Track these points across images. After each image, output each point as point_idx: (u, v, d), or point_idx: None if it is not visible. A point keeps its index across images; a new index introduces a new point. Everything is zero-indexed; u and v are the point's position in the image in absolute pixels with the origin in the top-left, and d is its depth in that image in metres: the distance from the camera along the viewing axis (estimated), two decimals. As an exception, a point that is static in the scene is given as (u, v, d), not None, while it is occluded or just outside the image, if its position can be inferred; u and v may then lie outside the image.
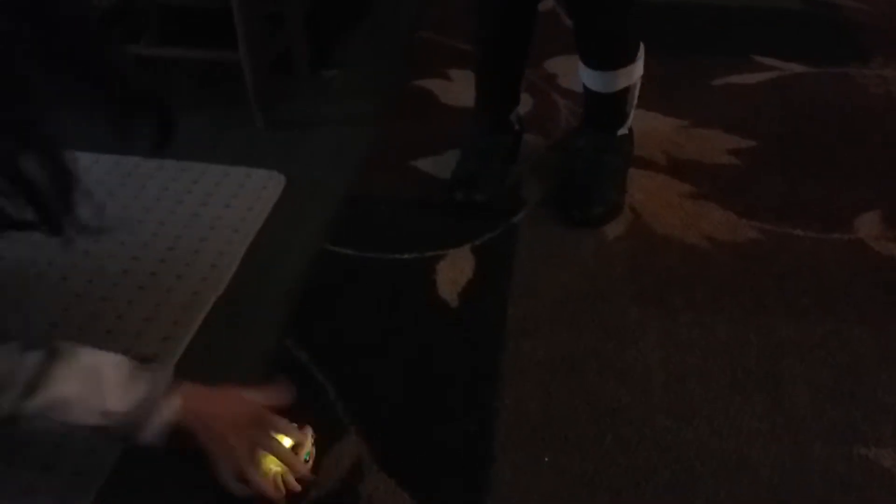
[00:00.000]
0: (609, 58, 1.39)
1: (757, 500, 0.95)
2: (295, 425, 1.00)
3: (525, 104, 1.62)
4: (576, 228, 1.41)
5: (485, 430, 1.05)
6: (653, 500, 0.96)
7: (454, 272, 1.32)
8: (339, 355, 1.16)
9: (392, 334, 1.21)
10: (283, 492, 0.96)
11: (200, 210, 1.46)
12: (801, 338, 1.17)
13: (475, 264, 1.34)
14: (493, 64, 1.49)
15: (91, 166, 1.58)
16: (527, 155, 1.57)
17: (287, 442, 0.97)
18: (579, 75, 1.45)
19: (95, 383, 0.87)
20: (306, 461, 0.98)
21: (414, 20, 2.17)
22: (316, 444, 1.00)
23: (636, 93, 1.45)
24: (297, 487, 0.97)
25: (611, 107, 1.45)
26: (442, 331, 1.21)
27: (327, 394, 1.10)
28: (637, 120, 1.51)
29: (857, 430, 1.02)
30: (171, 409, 0.90)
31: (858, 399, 1.07)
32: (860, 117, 1.71)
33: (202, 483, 0.95)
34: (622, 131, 1.49)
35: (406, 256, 1.35)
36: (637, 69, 1.41)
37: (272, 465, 0.96)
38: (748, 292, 1.27)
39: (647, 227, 1.41)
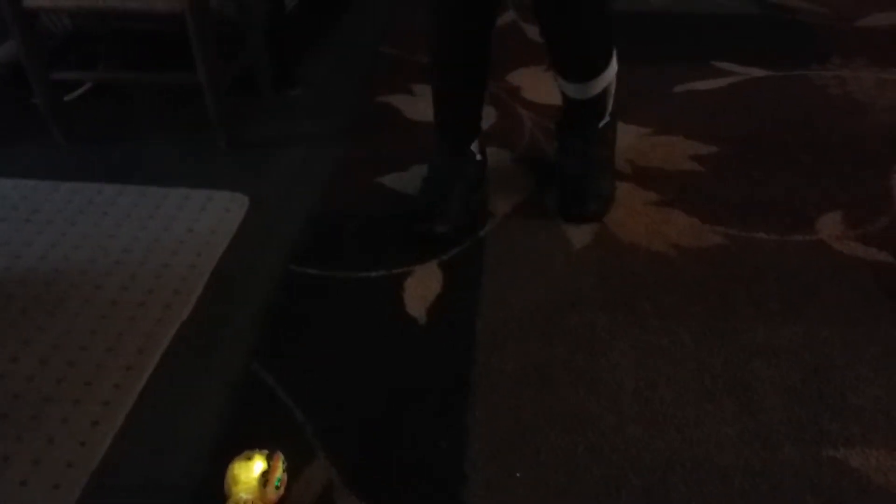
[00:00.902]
0: (585, 71, 1.40)
1: (729, 506, 0.95)
2: (266, 451, 0.98)
3: (489, 117, 1.63)
4: (542, 240, 1.41)
5: (456, 447, 1.04)
6: (626, 510, 0.96)
7: (422, 288, 1.31)
8: (307, 377, 1.15)
9: (360, 353, 1.20)
10: None
11: (163, 235, 1.44)
12: (768, 341, 1.18)
13: (443, 279, 1.33)
14: (451, 94, 1.46)
15: (51, 194, 1.56)
16: (492, 167, 1.57)
17: (258, 468, 0.96)
18: (556, 83, 1.46)
19: None
20: (277, 487, 0.97)
21: (377, 36, 2.18)
22: (286, 469, 0.99)
23: (614, 86, 1.46)
24: None
25: (591, 109, 1.47)
26: (411, 348, 1.20)
27: (295, 417, 1.09)
28: (601, 128, 1.52)
29: (825, 432, 1.03)
30: None
31: (827, 400, 1.08)
32: (820, 118, 1.73)
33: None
34: (603, 122, 1.51)
35: (373, 274, 1.34)
36: (612, 69, 1.43)
37: (243, 492, 0.94)
38: (715, 297, 1.27)
39: (614, 235, 1.42)
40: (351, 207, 1.51)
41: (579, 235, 1.42)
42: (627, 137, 1.66)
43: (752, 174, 1.56)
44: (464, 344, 1.20)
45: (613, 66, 1.43)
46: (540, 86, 1.88)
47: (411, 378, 1.15)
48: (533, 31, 2.15)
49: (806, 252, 1.36)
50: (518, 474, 1.01)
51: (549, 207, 1.49)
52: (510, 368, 1.16)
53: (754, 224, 1.42)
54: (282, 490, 0.97)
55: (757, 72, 1.93)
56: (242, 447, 0.99)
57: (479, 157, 1.52)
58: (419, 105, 1.82)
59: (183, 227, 1.45)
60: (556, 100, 1.54)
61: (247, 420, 1.09)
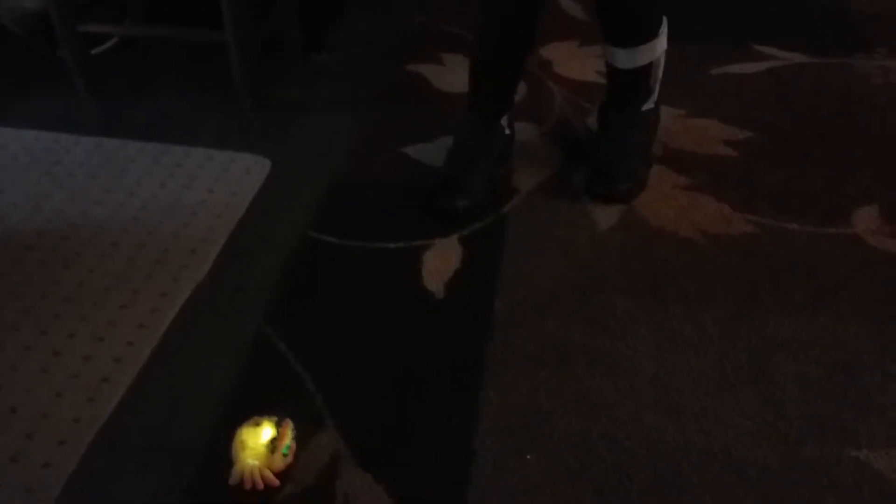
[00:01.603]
0: (633, 34, 1.36)
1: (744, 501, 0.93)
2: (275, 418, 0.97)
3: (519, 91, 1.58)
4: (566, 219, 1.37)
5: (467, 424, 1.03)
6: (637, 498, 0.94)
7: (441, 262, 1.28)
8: (320, 345, 1.14)
9: (375, 324, 1.18)
10: (261, 486, 0.93)
11: (183, 194, 1.42)
12: (794, 335, 1.14)
13: (463, 254, 1.30)
14: (491, 66, 1.43)
15: (72, 147, 1.55)
16: (519, 142, 1.54)
17: (266, 435, 0.95)
18: (603, 53, 1.42)
19: None
20: (284, 455, 0.96)
21: (409, 4, 2.13)
22: (295, 438, 0.98)
23: (661, 67, 1.42)
24: (275, 482, 0.94)
25: (635, 82, 1.43)
26: (426, 322, 1.18)
27: (306, 385, 1.07)
28: (633, 109, 1.47)
29: (848, 431, 1.00)
30: None
31: (852, 399, 1.04)
32: (860, 109, 1.67)
33: (172, 476, 0.92)
34: (647, 106, 1.47)
35: (392, 245, 1.32)
36: (661, 43, 1.39)
37: (250, 458, 0.94)
38: (741, 287, 1.24)
39: (641, 218, 1.38)
40: (373, 176, 1.49)
41: (605, 217, 1.38)
42: (661, 118, 1.61)
43: (787, 163, 1.51)
44: (481, 321, 1.18)
45: (663, 39, 1.39)
46: (573, 61, 1.83)
47: (425, 352, 1.13)
48: (568, 5, 2.09)
49: (839, 246, 1.31)
50: (528, 456, 0.99)
51: (575, 186, 1.45)
52: (527, 348, 1.14)
53: (787, 214, 1.38)
54: (290, 458, 0.96)
55: (798, 57, 1.86)
56: (252, 413, 0.99)
57: (507, 131, 1.48)
58: (448, 75, 1.78)
59: (203, 188, 1.44)
60: (588, 76, 1.50)
61: (257, 386, 1.08)
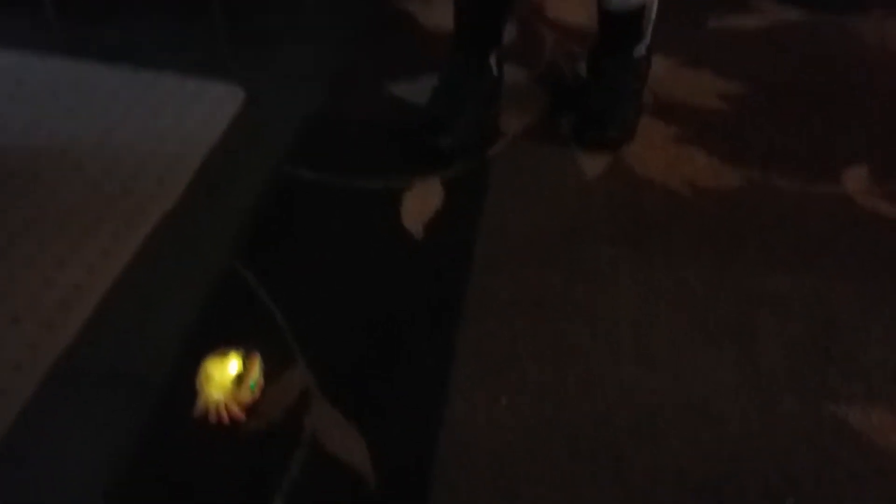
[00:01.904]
0: None
1: (719, 452, 0.92)
2: (242, 351, 0.93)
3: (509, 32, 1.52)
4: (553, 165, 1.33)
5: (442, 366, 1.00)
6: (610, 446, 0.92)
7: (422, 203, 1.24)
8: (291, 281, 1.10)
9: (350, 263, 1.14)
10: (226, 419, 0.90)
11: (151, 121, 1.36)
12: (778, 291, 1.12)
13: (444, 196, 1.26)
14: (475, 1, 1.36)
15: (37, 68, 1.47)
16: (507, 85, 1.48)
17: (233, 368, 0.91)
18: None
19: None
20: (252, 390, 0.92)
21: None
22: (264, 373, 0.94)
23: (654, 10, 1.37)
24: (240, 416, 0.91)
25: (627, 26, 1.38)
26: (404, 263, 1.15)
27: (275, 319, 1.04)
28: (626, 55, 1.42)
29: (828, 388, 0.98)
30: None
31: (833, 356, 1.03)
32: (855, 68, 1.64)
33: (130, 407, 0.88)
34: (639, 52, 1.42)
35: (371, 184, 1.27)
36: None
37: (215, 391, 0.90)
38: (727, 241, 1.21)
39: (629, 168, 1.34)
40: (354, 112, 1.43)
41: (592, 165, 1.35)
42: (653, 67, 1.57)
43: (778, 119, 1.48)
44: (460, 264, 1.15)
45: None
46: (565, 4, 1.77)
47: (402, 294, 1.10)
48: (563, -51, 2.01)
49: (827, 204, 1.29)
50: (503, 400, 0.97)
51: (563, 132, 1.41)
52: (506, 294, 1.11)
53: (776, 170, 1.35)
54: (256, 393, 0.93)
55: (795, 14, 1.81)
56: (217, 346, 0.95)
57: (495, 71, 1.42)
58: (436, 12, 1.71)
59: (173, 116, 1.37)
60: (582, 20, 1.45)
61: (224, 318, 1.05)
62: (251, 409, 0.92)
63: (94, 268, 1.08)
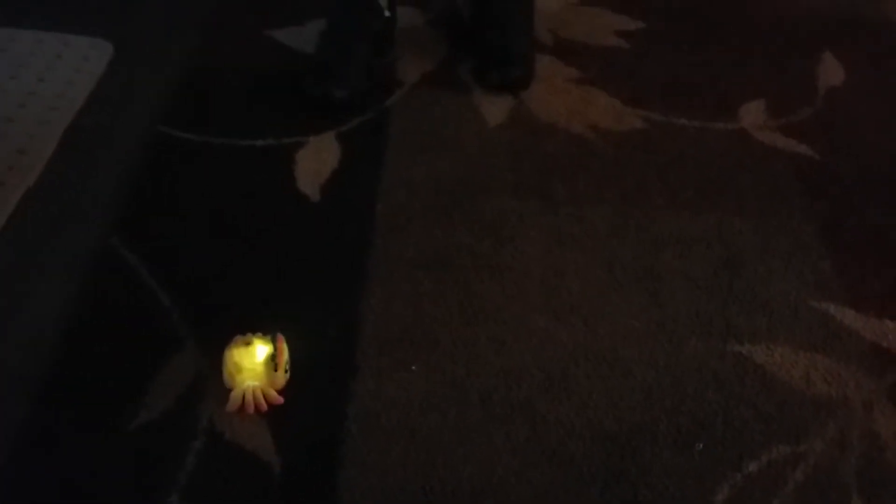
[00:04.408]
0: None
1: (630, 400, 0.92)
2: (261, 335, 0.88)
3: (400, -28, 1.44)
4: (454, 114, 1.29)
5: (347, 337, 0.95)
6: (524, 402, 0.91)
7: (316, 162, 1.18)
8: (177, 256, 1.02)
9: (241, 231, 1.07)
10: (265, 407, 0.86)
11: (8, 84, 1.23)
12: (681, 231, 1.13)
13: (341, 153, 1.20)
14: None
15: None
16: (401, 29, 1.41)
17: (262, 353, 0.86)
18: None
19: None
20: (287, 372, 0.87)
21: None
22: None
23: None
24: (279, 400, 0.87)
25: None
26: (301, 227, 1.08)
27: (160, 301, 0.96)
28: (523, -6, 1.38)
29: (732, 326, 1.00)
30: None
31: (735, 294, 1.04)
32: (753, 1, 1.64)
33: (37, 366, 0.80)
34: None
35: (259, 142, 1.19)
36: None
37: (248, 379, 0.85)
38: (631, 184, 1.21)
39: (531, 114, 1.31)
40: (235, 63, 1.33)
41: (494, 112, 1.31)
42: (551, 5, 1.53)
43: (677, 54, 1.47)
44: (361, 226, 1.10)
45: None
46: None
47: (300, 261, 1.04)
48: None
49: (726, 140, 1.30)
50: (413, 367, 0.93)
51: (463, 78, 1.36)
52: (410, 254, 1.07)
53: (676, 109, 1.34)
54: (289, 374, 0.88)
55: (692, -54, 1.80)
56: (97, 334, 0.88)
57: (387, 13, 1.35)
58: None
59: (33, 77, 1.24)
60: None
61: (102, 304, 0.96)
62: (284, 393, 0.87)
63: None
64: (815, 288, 1.05)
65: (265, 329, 0.89)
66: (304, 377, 0.90)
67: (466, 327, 0.98)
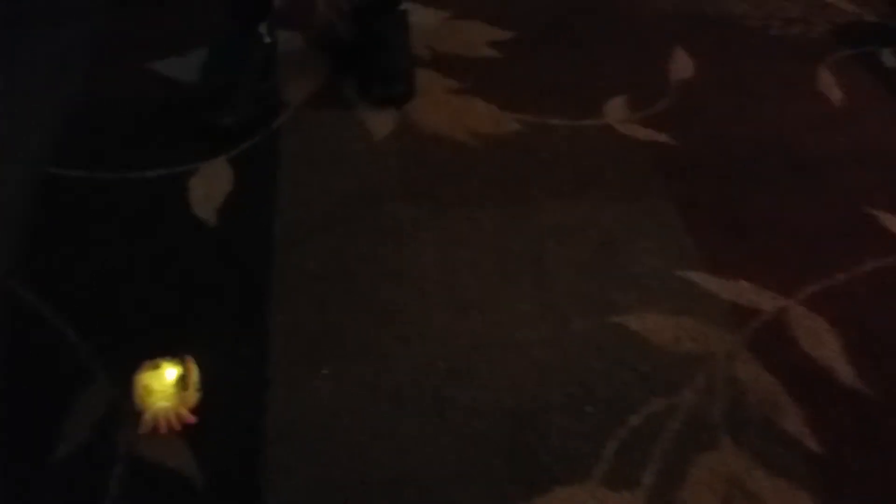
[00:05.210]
0: None
1: (528, 378, 1.00)
2: (169, 358, 0.89)
3: (277, -2, 1.48)
4: (341, 130, 1.34)
5: (258, 353, 0.99)
6: (432, 392, 0.97)
7: (210, 187, 1.20)
8: (79, 292, 1.02)
9: (142, 262, 1.08)
10: (178, 427, 0.87)
11: None
12: (561, 221, 1.23)
13: (234, 176, 1.23)
14: None
15: None
16: (282, 52, 1.45)
17: (171, 375, 0.88)
18: None
19: None
20: (199, 391, 0.90)
21: None
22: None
23: None
24: (191, 419, 0.88)
25: None
26: (201, 252, 1.11)
27: (66, 337, 0.96)
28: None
29: (609, 301, 1.10)
30: None
31: (611, 272, 1.15)
32: (605, 6, 1.77)
33: None
34: (405, 5, 1.47)
35: (150, 174, 1.20)
36: None
37: (159, 401, 0.87)
38: (513, 183, 1.30)
39: (415, 124, 1.38)
40: (120, 97, 1.33)
41: (380, 126, 1.37)
42: (426, 22, 1.61)
43: (546, 61, 1.58)
44: (261, 245, 1.13)
45: None
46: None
47: (204, 284, 1.07)
48: None
49: (594, 136, 1.41)
50: (325, 371, 0.98)
51: (347, 96, 1.42)
52: (312, 267, 1.11)
53: (549, 110, 1.45)
54: (201, 392, 0.90)
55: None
56: (6, 376, 0.88)
57: (268, 39, 1.39)
58: (197, -18, 1.62)
59: None
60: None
61: (9, 346, 0.95)
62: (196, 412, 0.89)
63: None
64: (679, 260, 1.17)
65: (176, 354, 0.91)
66: (219, 395, 0.93)
67: (373, 329, 1.04)
